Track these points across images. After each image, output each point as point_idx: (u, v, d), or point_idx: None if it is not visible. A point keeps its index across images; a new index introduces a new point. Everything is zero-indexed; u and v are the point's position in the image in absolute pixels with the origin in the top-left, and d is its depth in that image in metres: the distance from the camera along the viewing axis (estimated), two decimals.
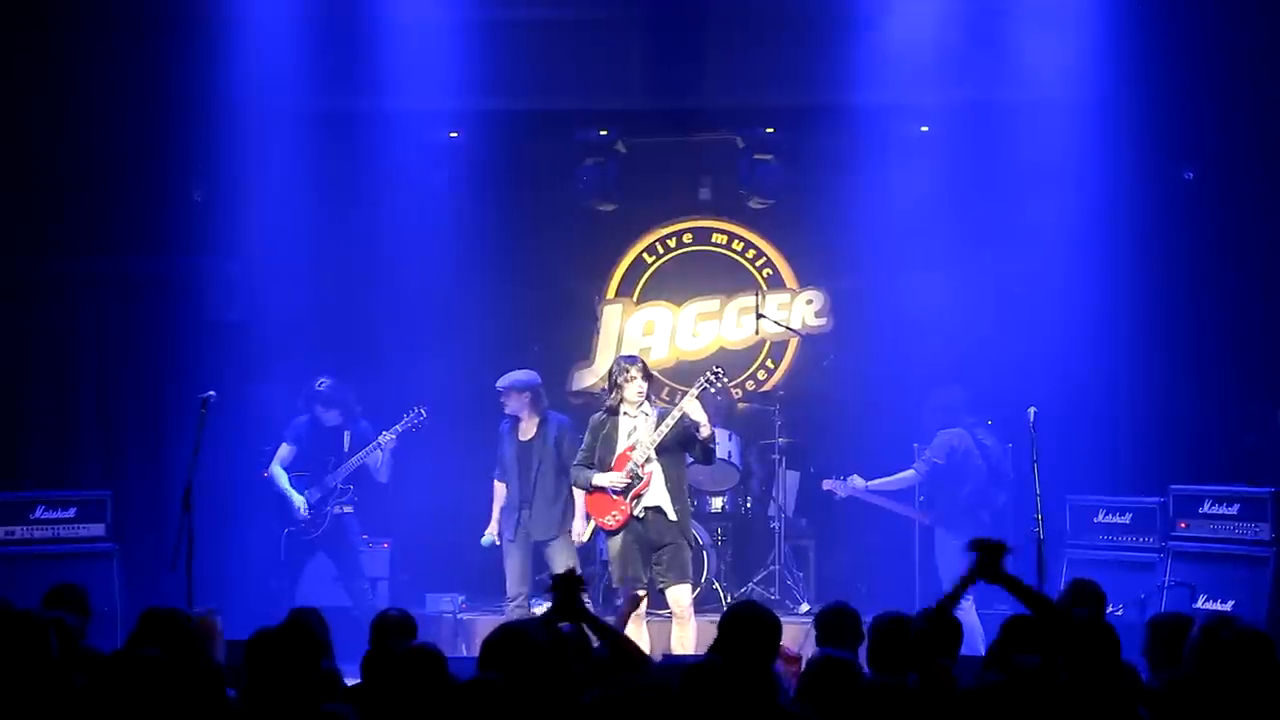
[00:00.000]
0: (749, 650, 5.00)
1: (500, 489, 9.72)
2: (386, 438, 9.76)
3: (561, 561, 9.06)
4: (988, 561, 5.17)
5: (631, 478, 8.45)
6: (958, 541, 9.66)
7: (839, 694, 4.82)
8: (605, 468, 8.57)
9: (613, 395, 8.62)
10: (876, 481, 9.94)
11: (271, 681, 4.79)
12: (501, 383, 9.60)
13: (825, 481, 10.22)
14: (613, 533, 8.53)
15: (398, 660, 4.86)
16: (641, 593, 7.90)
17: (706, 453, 8.58)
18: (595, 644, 5.54)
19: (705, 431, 8.42)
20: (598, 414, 8.80)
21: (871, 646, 5.41)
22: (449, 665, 4.89)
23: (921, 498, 10.10)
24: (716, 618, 10.14)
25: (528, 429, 9.57)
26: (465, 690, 4.47)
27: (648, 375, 8.66)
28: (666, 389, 11.29)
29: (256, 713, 4.78)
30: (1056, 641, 4.94)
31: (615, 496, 8.50)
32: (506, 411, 9.60)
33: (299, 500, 9.75)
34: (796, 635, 8.51)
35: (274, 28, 10.26)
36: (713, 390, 8.78)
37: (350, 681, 5.48)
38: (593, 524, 9.05)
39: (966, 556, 10.14)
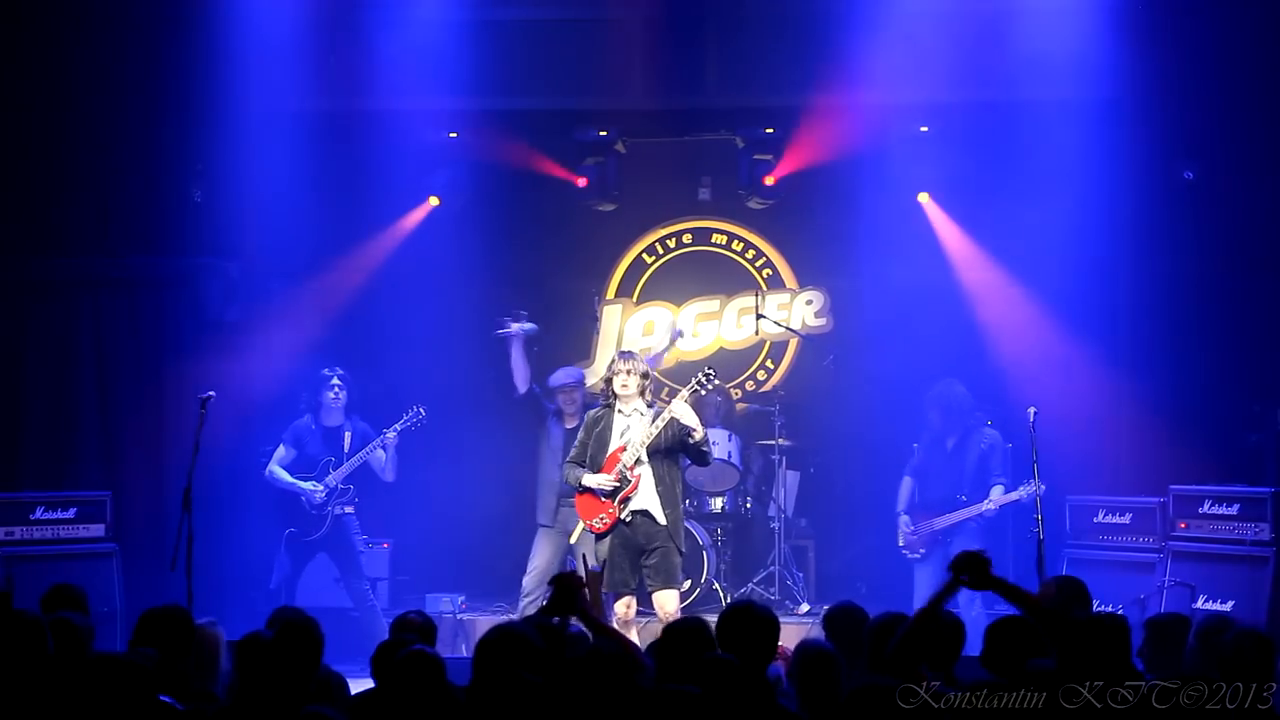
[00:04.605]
0: (748, 650, 5.01)
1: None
2: (390, 435, 9.74)
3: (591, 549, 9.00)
4: (975, 576, 5.20)
5: (620, 480, 8.33)
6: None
7: (823, 684, 4.88)
8: (597, 466, 8.45)
9: (607, 392, 8.57)
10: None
11: (259, 683, 4.79)
12: (562, 379, 9.75)
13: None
14: (600, 536, 8.41)
15: (397, 663, 4.85)
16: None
17: (700, 455, 8.43)
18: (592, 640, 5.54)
19: (698, 435, 8.29)
20: (594, 409, 8.73)
21: (870, 648, 5.40)
22: (449, 666, 4.89)
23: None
24: (716, 618, 10.11)
25: (571, 419, 9.66)
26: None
27: (644, 373, 8.52)
28: (666, 389, 11.28)
29: (243, 713, 4.78)
30: (1056, 641, 4.93)
31: (603, 499, 8.39)
32: (566, 410, 9.70)
33: (311, 485, 9.68)
34: (797, 635, 8.49)
35: (274, 28, 10.25)
36: (703, 393, 8.70)
37: (351, 681, 5.49)
38: (581, 525, 8.98)
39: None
